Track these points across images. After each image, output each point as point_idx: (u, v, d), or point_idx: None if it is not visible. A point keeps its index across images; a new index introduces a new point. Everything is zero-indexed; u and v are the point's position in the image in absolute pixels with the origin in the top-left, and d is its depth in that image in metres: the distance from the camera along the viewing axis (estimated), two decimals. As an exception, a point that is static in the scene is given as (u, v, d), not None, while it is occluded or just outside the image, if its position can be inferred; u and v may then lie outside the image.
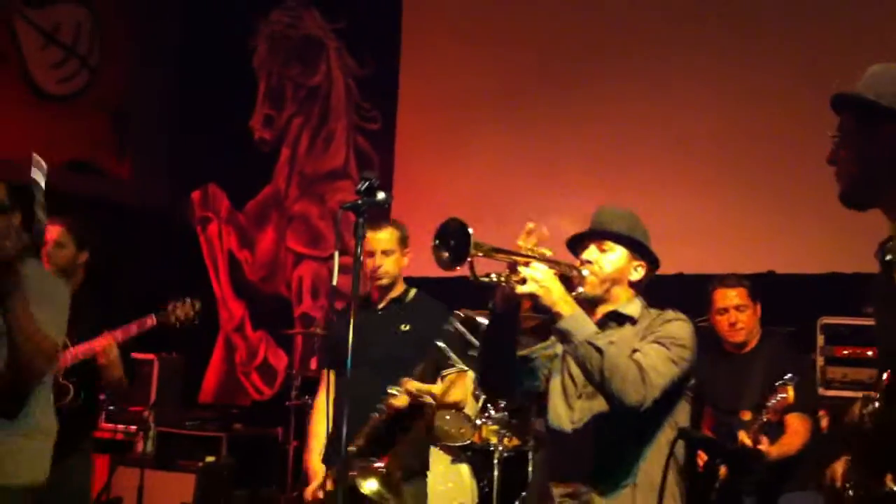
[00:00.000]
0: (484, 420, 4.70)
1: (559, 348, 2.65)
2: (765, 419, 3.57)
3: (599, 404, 2.48)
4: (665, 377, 2.38)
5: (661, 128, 5.61)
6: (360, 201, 2.38)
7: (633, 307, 2.61)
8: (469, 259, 2.23)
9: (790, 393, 3.55)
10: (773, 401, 3.56)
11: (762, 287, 4.45)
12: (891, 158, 1.77)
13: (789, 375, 3.58)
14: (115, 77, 7.24)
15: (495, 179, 5.59)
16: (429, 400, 3.41)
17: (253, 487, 5.82)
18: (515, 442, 4.73)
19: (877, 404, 1.58)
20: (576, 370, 2.53)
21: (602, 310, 2.60)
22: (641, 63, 5.83)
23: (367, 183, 2.36)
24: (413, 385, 3.37)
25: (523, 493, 4.62)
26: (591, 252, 2.59)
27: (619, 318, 2.60)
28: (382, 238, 3.58)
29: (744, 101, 5.46)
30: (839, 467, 1.98)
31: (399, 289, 3.68)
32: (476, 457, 4.78)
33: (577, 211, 2.89)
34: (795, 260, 4.96)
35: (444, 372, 3.60)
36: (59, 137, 6.76)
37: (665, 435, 2.49)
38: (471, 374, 3.66)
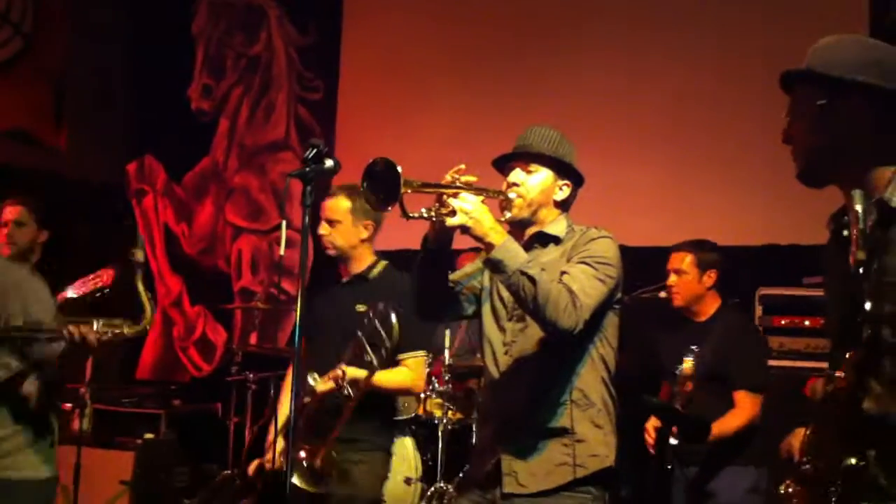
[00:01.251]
0: (428, 393, 4.69)
1: (484, 279, 2.69)
2: (679, 391, 3.59)
3: (531, 326, 2.52)
4: (594, 298, 2.41)
5: (611, 100, 5.62)
6: (307, 169, 2.31)
7: (558, 227, 2.64)
8: (399, 197, 2.22)
9: (687, 365, 3.56)
10: (677, 371, 3.59)
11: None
12: (848, 134, 1.75)
13: (693, 347, 3.59)
14: (52, 45, 7.00)
15: (439, 151, 5.53)
16: (351, 390, 3.29)
17: (193, 464, 5.72)
18: (459, 415, 4.74)
19: (841, 383, 1.57)
20: (506, 294, 2.56)
21: (529, 231, 2.64)
22: (590, 33, 5.81)
23: (314, 150, 2.31)
24: (344, 371, 3.27)
25: (467, 466, 4.63)
26: (516, 174, 2.62)
27: (543, 239, 2.63)
28: (328, 206, 3.50)
29: (689, 72, 5.49)
30: (795, 442, 1.99)
31: (363, 263, 3.53)
32: (420, 430, 4.77)
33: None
34: (734, 232, 5.02)
35: (401, 356, 3.46)
36: (-5, 105, 6.56)
37: (596, 350, 2.55)
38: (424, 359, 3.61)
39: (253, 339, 6.61)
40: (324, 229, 3.49)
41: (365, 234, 3.50)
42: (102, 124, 7.33)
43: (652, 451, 3.69)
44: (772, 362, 4.37)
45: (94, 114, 7.27)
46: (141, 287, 2.68)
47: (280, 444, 3.41)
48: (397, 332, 3.06)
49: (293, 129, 7.03)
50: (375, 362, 3.18)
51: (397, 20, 6.52)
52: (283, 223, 2.55)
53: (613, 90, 5.65)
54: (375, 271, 3.53)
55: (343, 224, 3.47)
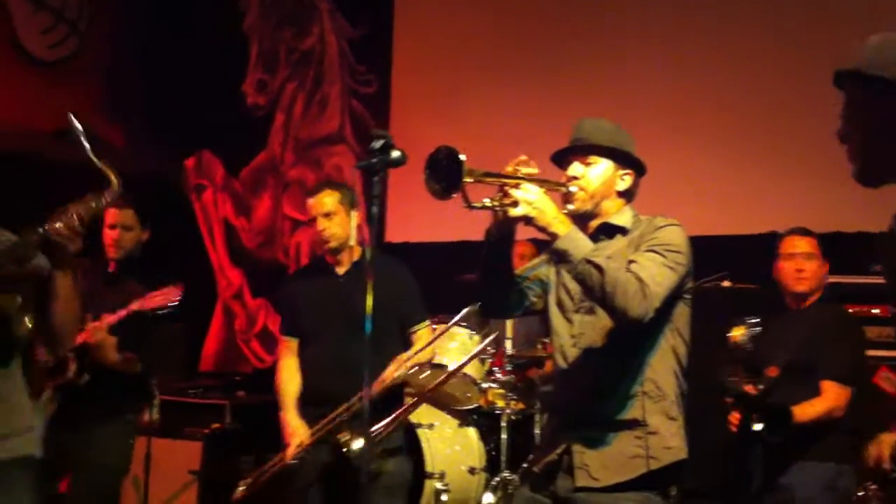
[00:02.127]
0: (490, 384, 4.72)
1: (550, 272, 2.67)
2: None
3: (599, 317, 2.50)
4: (664, 286, 2.38)
5: (664, 86, 5.54)
6: (374, 160, 2.30)
7: (623, 217, 2.61)
8: (461, 186, 2.21)
9: (736, 332, 3.56)
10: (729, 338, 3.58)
11: (766, 248, 4.44)
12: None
13: (751, 318, 3.59)
14: (106, 43, 7.13)
15: (494, 139, 5.50)
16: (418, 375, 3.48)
17: (257, 453, 5.81)
18: (521, 405, 4.75)
19: None
20: (572, 285, 2.55)
21: (593, 224, 2.61)
22: (643, 19, 5.74)
23: (381, 141, 2.28)
24: (404, 360, 3.47)
25: (530, 455, 4.65)
26: (575, 167, 2.59)
27: (609, 230, 2.60)
28: (319, 202, 3.62)
29: (742, 60, 5.39)
30: (885, 448, 1.95)
31: (356, 251, 3.69)
32: (483, 420, 4.80)
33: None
34: (795, 221, 4.93)
35: (412, 328, 3.74)
36: (51, 104, 6.66)
37: (667, 341, 2.51)
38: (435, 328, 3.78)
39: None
40: (321, 224, 3.60)
41: (354, 224, 3.64)
42: (158, 120, 7.44)
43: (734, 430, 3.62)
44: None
45: (150, 110, 7.39)
46: (94, 158, 2.66)
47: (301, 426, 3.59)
48: None
49: (347, 122, 7.08)
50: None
51: (449, 11, 6.51)
52: (353, 212, 2.62)
53: (665, 80, 5.56)
54: (369, 259, 3.61)
55: (338, 215, 3.61)
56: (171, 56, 7.50)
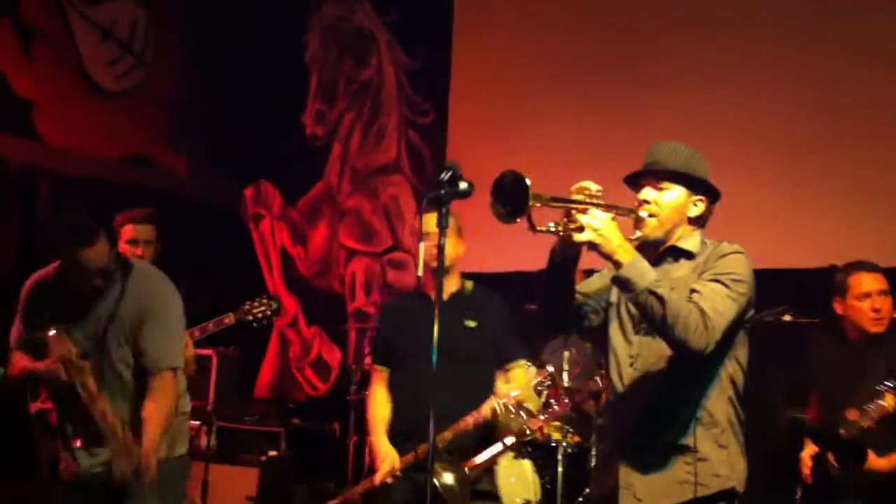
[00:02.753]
0: (546, 416, 4.68)
1: (612, 292, 2.64)
2: (864, 425, 3.31)
3: (657, 340, 2.47)
4: (726, 317, 2.36)
5: (726, 114, 5.49)
6: (442, 191, 2.33)
7: (691, 242, 2.57)
8: (527, 211, 2.22)
9: (889, 401, 3.27)
10: (871, 406, 3.31)
11: (824, 281, 4.34)
12: None
13: (891, 382, 3.30)
14: (170, 73, 7.31)
15: (551, 170, 5.46)
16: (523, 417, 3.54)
17: (311, 482, 5.84)
18: (577, 438, 4.70)
19: None
20: (632, 305, 2.52)
21: (662, 248, 2.58)
22: (705, 46, 5.70)
23: (450, 172, 2.32)
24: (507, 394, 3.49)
25: (586, 489, 4.59)
26: (647, 192, 2.55)
27: (676, 254, 2.57)
28: (435, 220, 3.55)
29: (810, 88, 5.33)
30: None
31: (456, 281, 3.67)
32: (538, 453, 4.75)
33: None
34: (855, 253, 4.84)
35: (508, 365, 3.68)
36: (117, 132, 6.87)
37: (725, 370, 2.48)
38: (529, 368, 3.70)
39: (367, 360, 6.71)
40: (435, 239, 3.53)
41: (460, 252, 3.62)
42: (219, 151, 7.60)
43: (808, 480, 3.51)
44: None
45: (212, 140, 7.54)
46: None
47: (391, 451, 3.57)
48: None
49: (404, 152, 7.14)
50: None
51: (505, 42, 6.54)
52: (421, 243, 2.67)
53: (729, 108, 5.52)
54: (469, 287, 3.68)
55: (451, 238, 3.52)
56: (233, 87, 7.66)
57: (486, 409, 3.50)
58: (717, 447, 2.46)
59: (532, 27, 6.48)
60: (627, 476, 2.49)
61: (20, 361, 3.16)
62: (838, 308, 3.70)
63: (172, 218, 6.83)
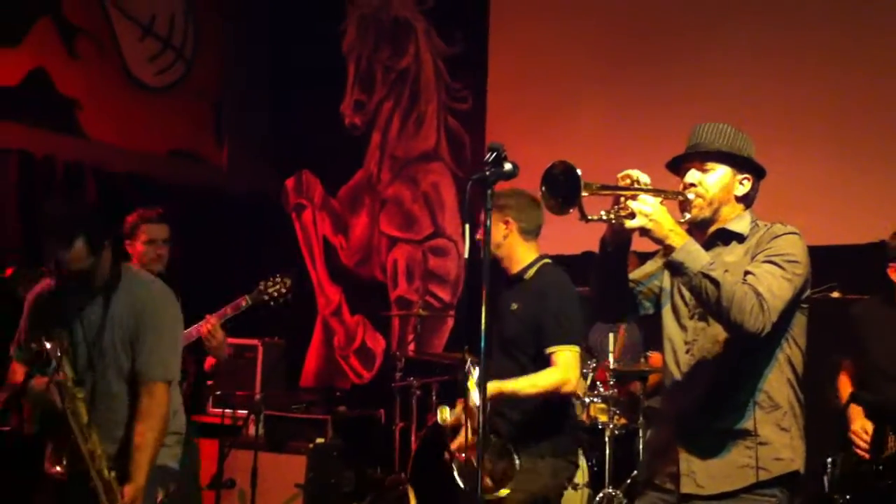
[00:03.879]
0: (593, 398, 4.67)
1: (665, 278, 2.63)
2: None
3: (712, 325, 2.46)
4: (782, 299, 2.34)
5: (765, 100, 5.43)
6: (487, 172, 2.31)
7: (741, 224, 2.55)
8: (579, 201, 2.22)
9: None
10: None
11: (874, 257, 4.25)
12: None
13: None
14: (210, 67, 7.38)
15: (591, 156, 5.47)
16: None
17: (359, 468, 5.89)
18: (624, 420, 4.69)
19: None
20: (686, 291, 2.51)
21: (710, 230, 2.56)
22: (742, 34, 5.65)
23: (494, 153, 2.31)
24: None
25: (634, 472, 4.58)
26: (692, 174, 2.55)
27: (726, 237, 2.55)
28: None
29: (853, 68, 5.26)
30: None
31: (518, 264, 3.51)
32: (585, 435, 4.75)
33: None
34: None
35: (549, 348, 3.39)
36: (159, 127, 6.95)
37: (783, 351, 2.46)
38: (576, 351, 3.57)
39: (411, 346, 6.75)
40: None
41: (507, 233, 3.45)
42: (260, 142, 7.67)
43: (865, 456, 3.44)
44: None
45: (252, 132, 7.62)
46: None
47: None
48: None
49: (443, 139, 7.14)
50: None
51: (543, 27, 6.52)
52: (466, 227, 2.62)
53: (771, 88, 5.47)
54: (532, 271, 3.49)
55: (495, 226, 3.42)
56: (273, 79, 7.72)
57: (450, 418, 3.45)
58: (778, 430, 2.45)
59: (569, 13, 6.45)
60: (688, 463, 2.48)
61: (17, 374, 3.08)
62: (894, 275, 3.62)
63: (216, 211, 7.04)
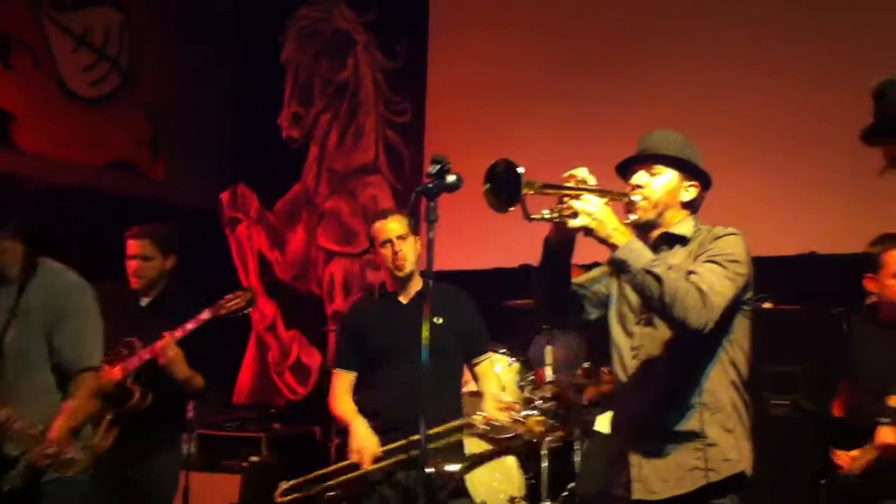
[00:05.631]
0: (530, 411, 4.65)
1: (611, 284, 2.64)
2: None
3: (658, 329, 2.48)
4: (724, 297, 2.35)
5: (704, 110, 5.50)
6: (431, 185, 2.31)
7: (685, 227, 2.58)
8: (521, 199, 2.21)
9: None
10: None
11: (804, 268, 4.30)
12: None
13: None
14: (148, 78, 7.26)
15: (532, 166, 5.52)
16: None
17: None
18: (562, 433, 4.68)
19: None
20: (633, 297, 2.53)
21: (654, 234, 2.58)
22: (690, 41, 5.72)
23: (438, 165, 2.31)
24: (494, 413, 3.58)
25: (571, 484, 4.58)
26: (640, 176, 2.56)
27: (670, 240, 2.57)
28: (394, 224, 3.57)
29: (795, 80, 5.35)
30: None
31: (419, 280, 3.62)
32: (522, 449, 4.73)
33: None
34: (848, 241, 4.85)
35: (476, 360, 3.71)
36: (95, 139, 6.81)
37: (726, 352, 2.48)
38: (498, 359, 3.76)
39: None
40: (397, 246, 3.55)
41: (418, 250, 3.61)
42: (198, 154, 7.55)
43: (849, 471, 3.35)
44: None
45: (190, 144, 7.49)
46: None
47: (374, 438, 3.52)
48: None
49: (382, 152, 7.12)
50: None
51: (483, 40, 6.55)
52: (414, 238, 2.58)
53: (711, 99, 5.54)
54: (429, 287, 3.60)
55: (409, 239, 3.57)
56: (210, 90, 7.61)
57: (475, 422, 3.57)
58: (724, 431, 2.45)
59: (509, 25, 6.49)
60: (640, 468, 2.49)
61: None
62: (871, 286, 3.52)
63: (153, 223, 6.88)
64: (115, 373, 3.64)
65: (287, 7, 7.58)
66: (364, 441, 3.53)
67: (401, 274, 3.57)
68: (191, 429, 5.37)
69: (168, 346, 3.60)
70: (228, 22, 7.54)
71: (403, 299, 3.64)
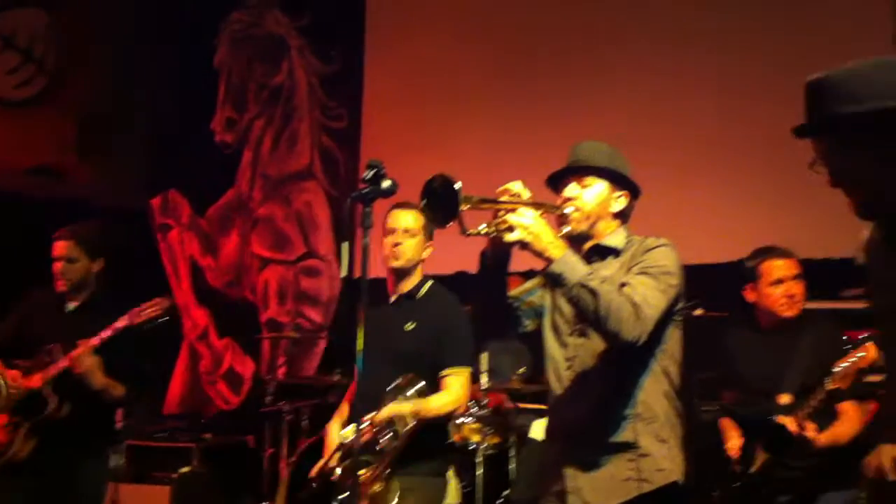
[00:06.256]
0: (464, 419, 4.65)
1: (545, 295, 2.66)
2: (840, 386, 3.22)
3: (592, 340, 2.49)
4: (657, 308, 2.38)
5: (641, 118, 5.56)
6: (366, 190, 2.29)
7: (617, 238, 2.61)
8: (459, 214, 2.21)
9: (872, 351, 3.17)
10: (845, 364, 3.21)
11: (737, 275, 4.37)
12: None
13: (865, 335, 3.22)
14: (76, 81, 7.09)
15: (468, 174, 5.51)
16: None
17: (228, 497, 5.70)
18: (497, 439, 4.69)
19: None
20: (566, 308, 2.55)
21: (587, 245, 2.61)
22: (619, 52, 5.78)
23: (373, 170, 2.29)
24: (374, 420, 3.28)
25: (506, 491, 4.58)
26: (571, 189, 2.59)
27: (602, 252, 2.60)
28: (405, 216, 3.42)
29: (721, 92, 5.45)
30: (885, 459, 1.93)
31: (412, 281, 3.49)
32: (457, 456, 4.72)
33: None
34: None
35: (445, 372, 3.39)
36: (21, 143, 6.65)
37: (659, 363, 2.51)
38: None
39: (282, 370, 6.60)
40: (398, 237, 3.41)
41: (425, 254, 3.49)
42: (127, 159, 7.39)
43: (736, 469, 3.47)
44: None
45: (119, 149, 7.33)
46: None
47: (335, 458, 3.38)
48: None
49: (317, 158, 7.06)
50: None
51: (420, 46, 6.54)
52: (345, 245, 2.50)
53: (640, 109, 5.61)
54: (424, 290, 3.50)
55: (417, 238, 3.43)
56: (142, 94, 7.46)
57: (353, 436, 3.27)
58: (657, 441, 2.48)
59: (446, 32, 6.49)
60: (574, 479, 2.50)
61: None
62: (750, 296, 3.66)
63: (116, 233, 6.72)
64: (34, 381, 3.56)
65: (220, 10, 7.47)
66: (329, 444, 3.50)
67: (390, 265, 3.44)
68: (120, 439, 5.27)
69: (83, 355, 3.52)
70: (160, 24, 7.39)
71: (392, 299, 3.52)
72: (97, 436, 3.81)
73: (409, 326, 3.39)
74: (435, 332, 3.37)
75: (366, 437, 3.24)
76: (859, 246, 1.99)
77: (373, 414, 3.27)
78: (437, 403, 3.33)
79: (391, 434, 3.25)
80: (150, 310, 3.64)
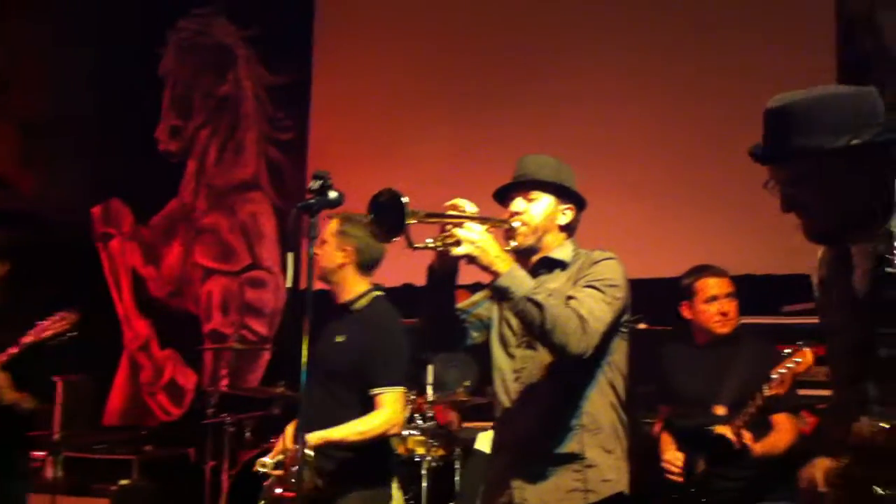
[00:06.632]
0: (410, 431, 4.65)
1: (492, 307, 2.68)
2: (777, 392, 3.27)
3: (539, 352, 2.51)
4: (603, 321, 2.40)
5: (590, 130, 5.62)
6: (313, 201, 2.30)
7: (564, 251, 2.64)
8: (405, 228, 2.22)
9: (808, 356, 3.23)
10: (782, 370, 3.25)
11: (676, 289, 4.44)
12: (862, 190, 1.79)
13: (802, 342, 3.27)
14: (19, 89, 6.94)
15: (416, 186, 5.53)
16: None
17: (167, 510, 5.62)
18: (441, 452, 4.69)
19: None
20: (514, 320, 2.57)
21: (534, 259, 2.63)
22: (570, 62, 5.83)
23: (320, 181, 2.30)
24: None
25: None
26: (518, 203, 2.62)
27: (549, 265, 2.63)
28: (326, 227, 3.34)
29: (664, 110, 5.53)
30: (818, 472, 1.99)
31: (349, 291, 3.35)
32: (402, 468, 4.71)
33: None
34: (713, 261, 5.06)
35: (375, 391, 3.20)
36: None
37: (605, 375, 2.53)
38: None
39: (224, 381, 6.53)
40: (317, 248, 3.22)
41: (343, 262, 3.31)
42: (69, 166, 7.25)
43: (680, 480, 3.49)
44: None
45: (61, 156, 7.19)
46: None
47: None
48: None
49: (263, 168, 7.02)
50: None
51: (368, 58, 6.55)
52: (290, 255, 2.45)
53: (587, 125, 5.67)
54: (362, 301, 3.34)
55: (331, 245, 3.31)
56: (85, 102, 7.33)
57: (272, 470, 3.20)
58: (603, 452, 2.50)
59: (395, 43, 6.51)
60: (521, 490, 2.51)
61: None
62: (686, 313, 3.74)
63: (21, 238, 6.56)
64: None
65: (166, 18, 7.40)
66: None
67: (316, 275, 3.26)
68: (57, 451, 5.16)
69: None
70: (105, 31, 7.28)
71: (335, 312, 3.40)
72: (13, 449, 3.76)
73: (339, 339, 3.28)
74: (364, 347, 3.20)
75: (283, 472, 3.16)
76: (816, 261, 2.02)
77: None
78: (368, 426, 3.16)
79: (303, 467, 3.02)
80: (56, 324, 3.58)
